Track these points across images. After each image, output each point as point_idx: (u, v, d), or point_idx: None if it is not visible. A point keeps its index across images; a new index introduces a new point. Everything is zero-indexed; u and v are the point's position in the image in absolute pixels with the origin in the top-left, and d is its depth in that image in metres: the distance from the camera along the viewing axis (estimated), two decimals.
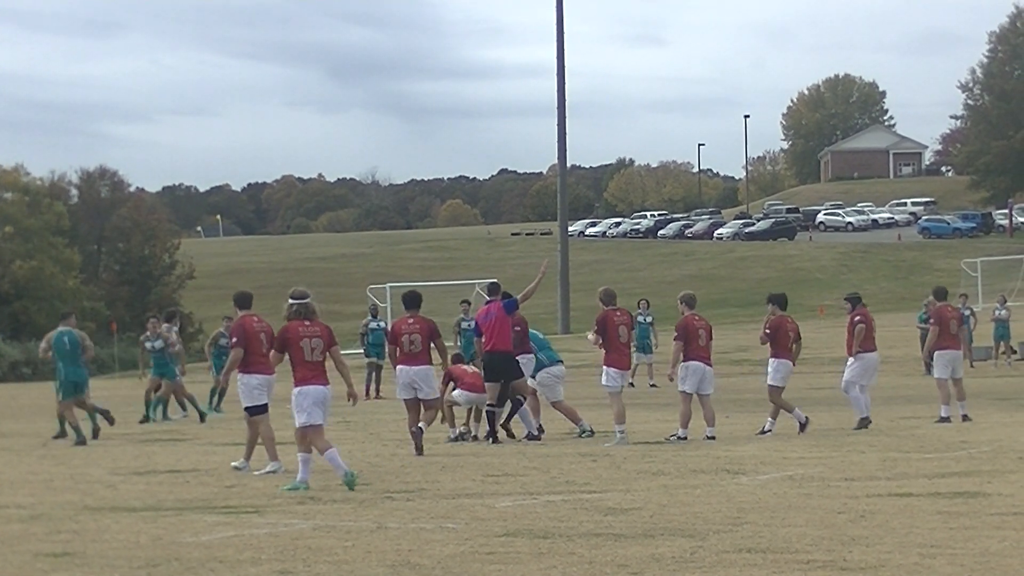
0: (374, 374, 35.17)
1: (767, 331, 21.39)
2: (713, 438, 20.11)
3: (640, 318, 35.86)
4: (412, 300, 19.30)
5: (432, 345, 18.86)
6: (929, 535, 10.80)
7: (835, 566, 9.55)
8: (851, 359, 21.93)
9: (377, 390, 34.99)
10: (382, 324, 35.62)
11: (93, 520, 12.41)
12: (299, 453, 14.86)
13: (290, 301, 15.26)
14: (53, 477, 16.22)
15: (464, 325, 32.24)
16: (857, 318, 21.98)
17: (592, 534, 11.09)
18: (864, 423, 21.35)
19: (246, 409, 16.58)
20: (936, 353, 22.83)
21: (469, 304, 34.72)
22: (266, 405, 16.58)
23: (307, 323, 15.07)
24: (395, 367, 19.06)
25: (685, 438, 20.05)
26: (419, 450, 18.38)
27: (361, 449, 19.72)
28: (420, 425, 18.75)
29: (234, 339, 16.51)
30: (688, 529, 11.29)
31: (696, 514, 12.21)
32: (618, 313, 20.13)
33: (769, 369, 21.54)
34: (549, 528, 11.45)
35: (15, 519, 12.59)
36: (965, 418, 22.26)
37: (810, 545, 10.40)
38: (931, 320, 23.47)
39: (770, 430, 21.10)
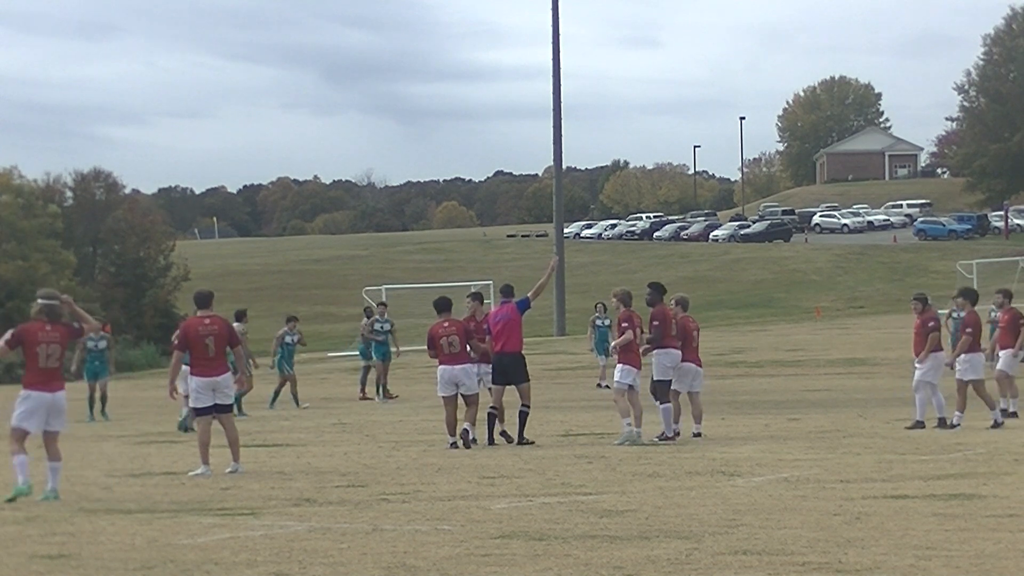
0: (368, 375, 35.21)
1: (969, 329, 21.67)
2: (700, 434, 20.44)
3: (598, 321, 36.26)
4: (444, 304, 20.30)
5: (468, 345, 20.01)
6: (925, 537, 10.81)
7: (831, 568, 9.55)
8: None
9: (363, 391, 34.99)
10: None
11: (88, 522, 12.40)
12: (13, 456, 14.25)
13: (38, 301, 14.53)
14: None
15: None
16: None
17: (588, 536, 11.09)
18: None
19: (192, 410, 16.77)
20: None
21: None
22: (210, 408, 16.50)
23: (48, 327, 14.26)
24: (438, 367, 19.96)
25: (677, 435, 20.41)
26: (467, 445, 19.67)
27: (357, 451, 19.74)
28: (466, 427, 19.85)
29: (176, 342, 16.61)
30: (683, 531, 11.29)
31: (691, 516, 12.21)
32: (635, 315, 20.33)
33: (965, 365, 21.65)
34: (545, 530, 11.44)
35: (10, 521, 12.58)
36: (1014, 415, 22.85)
37: (805, 547, 10.40)
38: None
39: (1001, 422, 21.36)
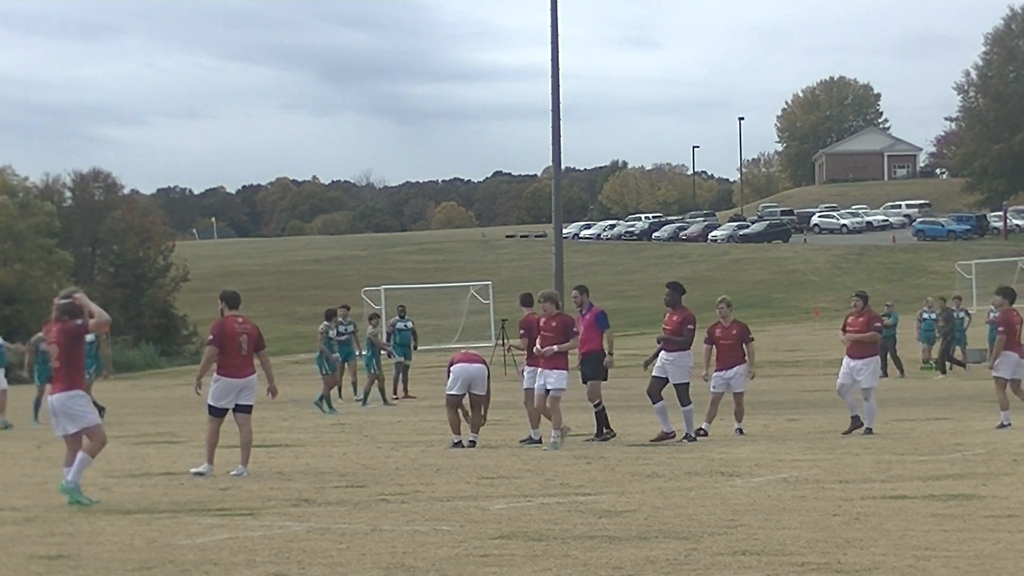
0: (402, 374, 35.30)
1: (1000, 328, 21.54)
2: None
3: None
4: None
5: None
6: (923, 537, 10.81)
7: (829, 568, 9.55)
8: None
9: (406, 390, 35.10)
10: (409, 324, 35.66)
11: (87, 523, 12.40)
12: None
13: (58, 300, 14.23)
14: (47, 479, 16.17)
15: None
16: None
17: (586, 536, 11.09)
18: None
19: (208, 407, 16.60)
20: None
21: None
22: (224, 410, 16.36)
23: (54, 328, 13.99)
24: (456, 363, 20.22)
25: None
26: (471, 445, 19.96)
27: (356, 452, 19.73)
28: (472, 438, 20.04)
29: (211, 337, 16.45)
30: (682, 531, 11.29)
31: (690, 516, 12.21)
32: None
33: (996, 361, 21.59)
34: (543, 530, 11.45)
35: (9, 521, 12.57)
36: None
37: (804, 547, 10.40)
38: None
39: (1008, 423, 21.23)
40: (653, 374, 20.74)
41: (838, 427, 22.16)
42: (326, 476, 16.22)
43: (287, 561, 10.14)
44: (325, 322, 31.54)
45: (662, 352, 20.67)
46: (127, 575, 9.79)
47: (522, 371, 21.09)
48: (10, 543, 11.22)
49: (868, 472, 15.69)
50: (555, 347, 19.50)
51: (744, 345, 21.54)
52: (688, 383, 20.56)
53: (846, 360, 21.54)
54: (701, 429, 21.03)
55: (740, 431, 21.30)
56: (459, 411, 20.19)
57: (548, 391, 19.61)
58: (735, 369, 21.39)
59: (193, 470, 16.43)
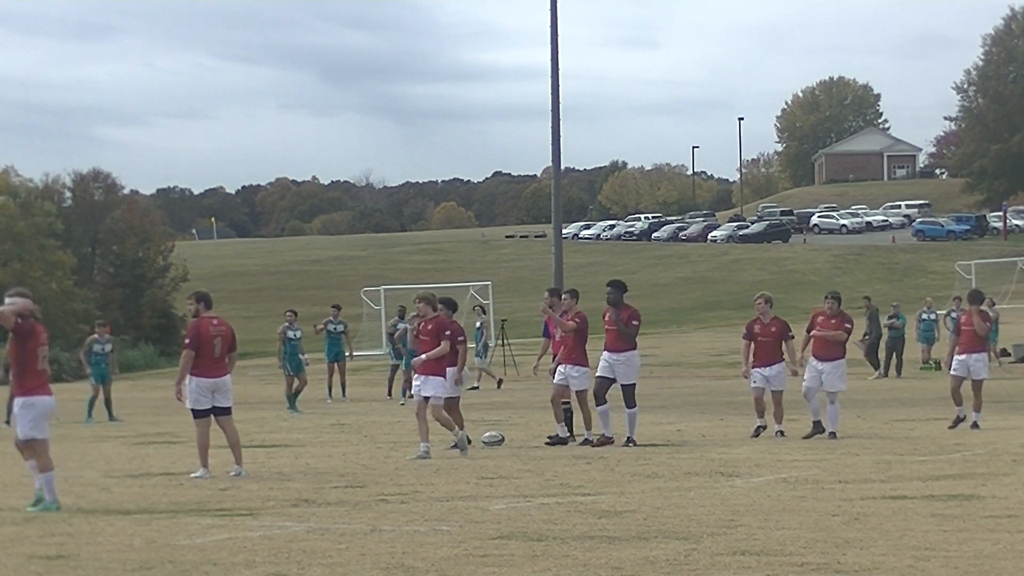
0: (392, 374, 35.39)
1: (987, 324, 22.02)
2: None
3: (478, 322, 38.38)
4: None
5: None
6: (923, 538, 10.81)
7: (829, 569, 9.55)
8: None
9: (390, 390, 35.14)
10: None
11: (87, 523, 12.40)
12: (44, 471, 13.57)
13: (27, 302, 13.71)
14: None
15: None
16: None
17: (586, 536, 11.09)
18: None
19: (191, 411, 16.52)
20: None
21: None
22: (209, 410, 16.37)
23: (43, 329, 13.63)
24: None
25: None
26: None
27: (355, 452, 19.74)
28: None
29: (187, 340, 16.47)
30: (682, 532, 11.29)
31: (690, 516, 12.21)
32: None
33: (979, 364, 21.90)
34: (543, 531, 11.45)
35: (9, 522, 12.57)
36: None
37: (804, 548, 10.41)
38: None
39: (963, 417, 21.78)
40: (598, 374, 20.22)
41: (837, 427, 22.15)
42: (326, 476, 16.23)
43: (287, 561, 10.14)
44: (284, 323, 31.28)
45: (609, 353, 20.21)
46: (127, 575, 9.78)
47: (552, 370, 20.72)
48: (10, 543, 11.22)
49: (868, 472, 15.70)
50: (452, 369, 18.90)
51: (784, 343, 21.19)
52: (635, 384, 20.22)
53: (812, 362, 21.21)
54: (760, 427, 20.99)
55: (781, 433, 20.85)
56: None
57: (427, 399, 18.55)
58: (775, 367, 21.07)
59: (191, 475, 16.41)
